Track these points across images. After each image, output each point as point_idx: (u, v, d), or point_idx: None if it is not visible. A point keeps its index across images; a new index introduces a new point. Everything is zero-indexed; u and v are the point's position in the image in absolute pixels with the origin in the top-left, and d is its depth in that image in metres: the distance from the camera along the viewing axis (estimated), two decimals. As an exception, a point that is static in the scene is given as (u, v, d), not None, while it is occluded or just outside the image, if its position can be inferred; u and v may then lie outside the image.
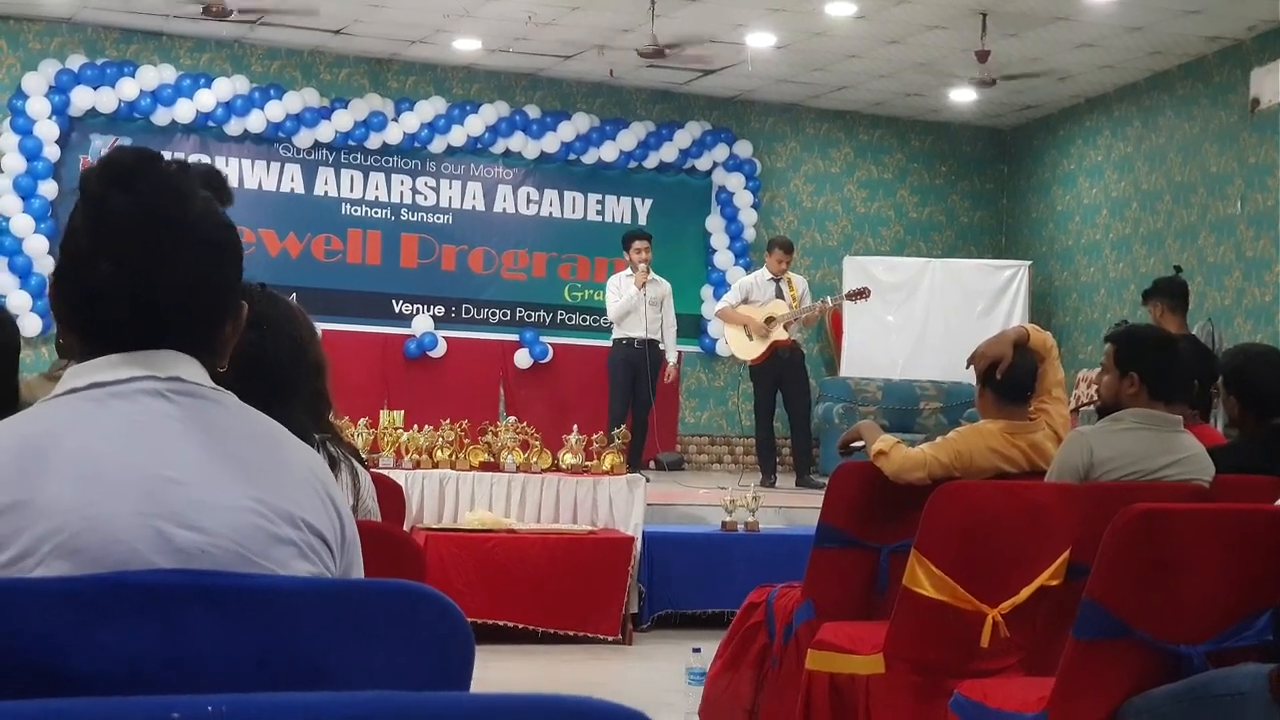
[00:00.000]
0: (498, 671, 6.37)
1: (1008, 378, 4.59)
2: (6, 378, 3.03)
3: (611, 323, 11.06)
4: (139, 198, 1.65)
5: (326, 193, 12.83)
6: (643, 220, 13.57)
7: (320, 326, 3.61)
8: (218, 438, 1.63)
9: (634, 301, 10.77)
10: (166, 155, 1.74)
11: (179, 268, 1.66)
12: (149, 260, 1.65)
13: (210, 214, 1.71)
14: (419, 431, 8.20)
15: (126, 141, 11.84)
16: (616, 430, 8.62)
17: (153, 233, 1.65)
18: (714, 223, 13.83)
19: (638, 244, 10.90)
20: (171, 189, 1.67)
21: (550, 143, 13.26)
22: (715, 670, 5.03)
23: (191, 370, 1.67)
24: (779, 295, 11.00)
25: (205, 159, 12.28)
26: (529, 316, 13.30)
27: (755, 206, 13.83)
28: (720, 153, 13.78)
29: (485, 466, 8.08)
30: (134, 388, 1.62)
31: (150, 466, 1.56)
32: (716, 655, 5.06)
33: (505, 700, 1.22)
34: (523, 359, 13.14)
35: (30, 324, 11.28)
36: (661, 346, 10.97)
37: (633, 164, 13.58)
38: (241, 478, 1.61)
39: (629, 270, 10.94)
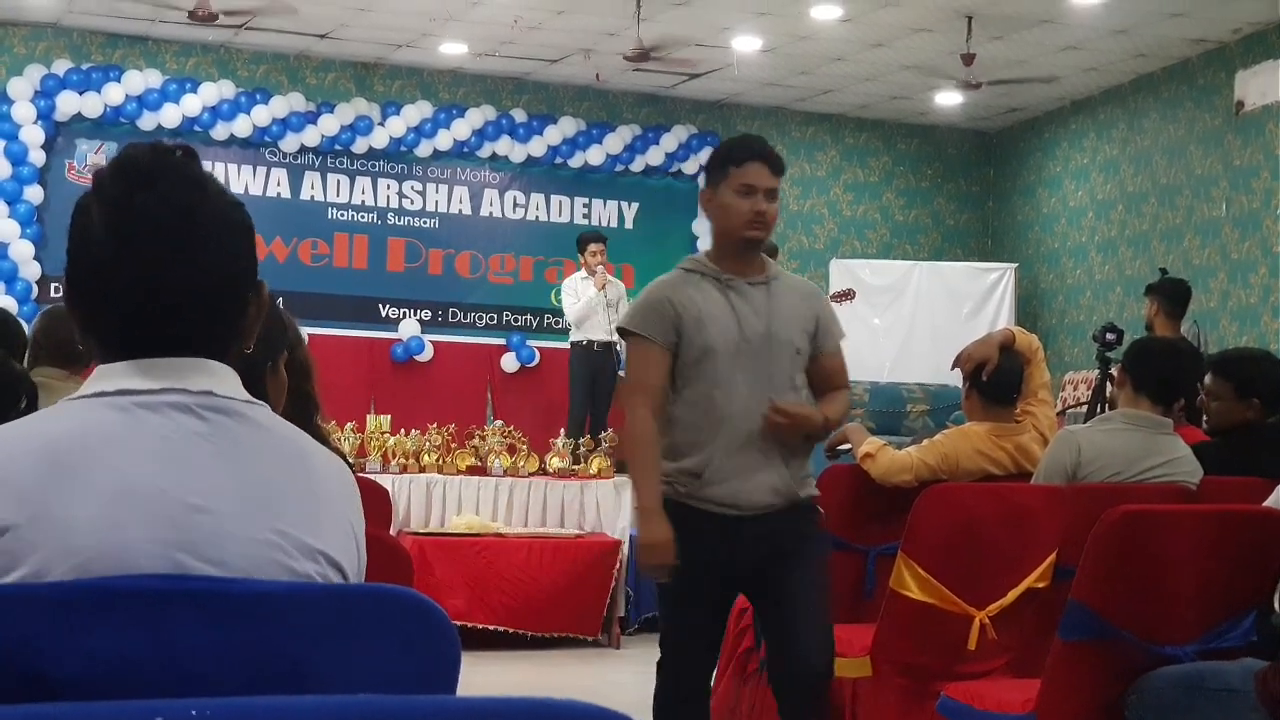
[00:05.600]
0: (484, 675, 6.36)
1: (994, 380, 4.60)
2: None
3: (570, 325, 11.00)
4: (163, 194, 1.61)
5: (313, 197, 12.80)
6: (629, 224, 13.58)
7: (307, 331, 3.61)
8: (247, 461, 1.59)
9: (593, 304, 10.71)
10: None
11: (206, 257, 1.63)
12: (177, 255, 1.61)
13: (223, 194, 1.69)
14: (406, 435, 8.21)
15: (112, 146, 11.83)
16: (604, 433, 8.61)
17: (181, 227, 1.61)
18: (700, 226, 13.80)
19: (593, 246, 10.83)
20: (190, 179, 1.64)
21: (537, 146, 13.25)
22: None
23: (224, 383, 1.63)
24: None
25: (191, 163, 12.27)
26: (516, 320, 13.28)
27: (742, 210, 13.79)
28: (706, 156, 13.76)
29: (472, 470, 8.08)
30: (163, 400, 1.58)
31: (177, 491, 1.53)
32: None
33: (491, 704, 1.22)
34: (509, 363, 13.12)
35: (16, 329, 11.21)
36: (619, 349, 10.90)
37: (619, 167, 13.57)
38: (266, 507, 1.58)
39: (583, 273, 10.87)
